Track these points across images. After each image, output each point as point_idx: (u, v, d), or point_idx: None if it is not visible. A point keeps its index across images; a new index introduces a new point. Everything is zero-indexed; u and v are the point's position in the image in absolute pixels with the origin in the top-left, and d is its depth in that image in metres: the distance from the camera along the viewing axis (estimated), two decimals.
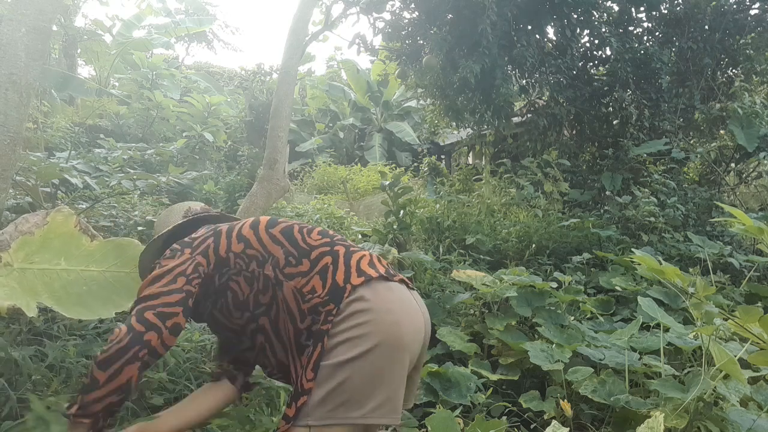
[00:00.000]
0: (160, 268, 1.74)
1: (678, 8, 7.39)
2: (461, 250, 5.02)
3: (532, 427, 2.79)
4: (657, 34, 7.64)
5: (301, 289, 1.64)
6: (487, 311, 3.67)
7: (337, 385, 1.52)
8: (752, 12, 7.51)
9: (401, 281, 1.73)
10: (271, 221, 1.82)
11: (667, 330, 3.03)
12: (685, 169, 7.37)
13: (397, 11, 7.68)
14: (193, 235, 1.86)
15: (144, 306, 1.65)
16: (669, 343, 3.06)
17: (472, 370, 2.97)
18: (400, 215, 4.49)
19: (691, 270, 4.54)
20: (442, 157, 16.12)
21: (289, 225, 1.80)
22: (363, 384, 1.53)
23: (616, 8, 7.73)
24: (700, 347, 2.82)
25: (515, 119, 8.07)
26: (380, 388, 1.54)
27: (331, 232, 1.84)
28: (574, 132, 7.98)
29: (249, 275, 1.72)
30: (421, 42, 7.57)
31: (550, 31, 7.58)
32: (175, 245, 1.82)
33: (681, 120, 7.35)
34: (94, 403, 1.58)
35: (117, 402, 1.61)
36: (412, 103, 17.18)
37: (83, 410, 1.58)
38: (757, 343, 2.46)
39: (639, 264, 2.95)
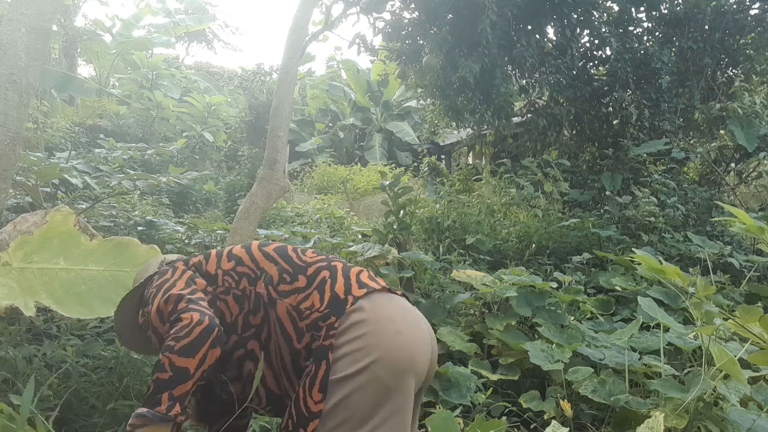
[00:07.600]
0: (160, 281, 1.69)
1: (678, 8, 7.39)
2: (461, 250, 5.01)
3: (532, 427, 2.79)
4: (657, 34, 7.64)
5: (299, 305, 1.56)
6: (487, 311, 3.67)
7: (337, 403, 1.43)
8: (752, 12, 7.50)
9: (402, 296, 1.66)
10: (263, 242, 1.78)
11: (667, 330, 3.03)
12: (685, 169, 7.37)
13: (397, 11, 7.69)
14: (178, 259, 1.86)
15: (188, 300, 1.56)
16: (669, 343, 3.06)
17: (472, 370, 2.97)
18: (400, 215, 4.48)
19: (691, 270, 4.53)
20: (442, 157, 16.13)
21: (283, 245, 1.76)
22: (365, 401, 1.43)
23: (616, 8, 7.73)
24: (700, 347, 2.82)
25: (515, 119, 8.07)
26: (384, 404, 1.45)
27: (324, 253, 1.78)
28: (574, 132, 7.97)
29: (239, 294, 1.64)
30: (421, 42, 7.57)
31: (550, 31, 7.58)
32: (163, 267, 1.79)
33: (681, 120, 7.35)
34: (186, 395, 1.45)
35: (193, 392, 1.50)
36: (412, 103, 17.18)
37: (180, 406, 1.44)
38: (757, 343, 2.45)
39: (639, 264, 2.95)
